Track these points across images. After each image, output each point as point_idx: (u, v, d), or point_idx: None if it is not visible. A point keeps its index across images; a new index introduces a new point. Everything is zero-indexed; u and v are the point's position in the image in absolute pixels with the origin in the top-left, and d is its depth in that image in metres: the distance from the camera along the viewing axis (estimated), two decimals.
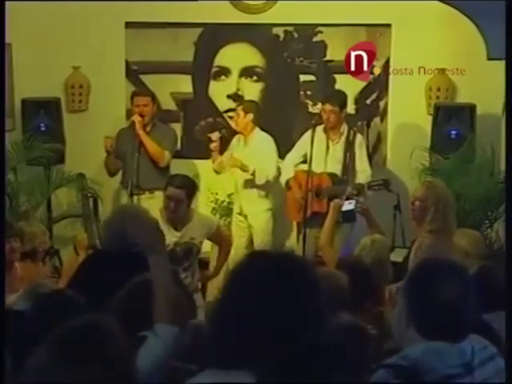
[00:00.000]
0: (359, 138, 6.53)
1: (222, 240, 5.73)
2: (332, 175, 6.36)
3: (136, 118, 6.46)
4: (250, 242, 6.78)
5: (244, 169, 6.57)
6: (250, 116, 6.66)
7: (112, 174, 6.78)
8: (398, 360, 2.27)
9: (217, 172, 6.83)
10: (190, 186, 5.39)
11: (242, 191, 6.77)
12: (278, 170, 6.75)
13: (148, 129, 6.56)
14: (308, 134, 6.40)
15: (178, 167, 6.98)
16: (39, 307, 3.01)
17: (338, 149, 6.43)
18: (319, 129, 6.37)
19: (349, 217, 5.83)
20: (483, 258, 4.54)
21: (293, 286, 1.88)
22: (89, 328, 1.89)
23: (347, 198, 5.35)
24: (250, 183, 6.67)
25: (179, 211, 5.29)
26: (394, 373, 2.23)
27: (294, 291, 1.87)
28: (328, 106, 6.35)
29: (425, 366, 2.23)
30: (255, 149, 6.65)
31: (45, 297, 3.15)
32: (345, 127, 6.48)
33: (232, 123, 7.06)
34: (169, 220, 5.26)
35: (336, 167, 6.39)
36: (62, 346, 1.83)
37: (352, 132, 6.51)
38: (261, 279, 1.88)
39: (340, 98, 6.45)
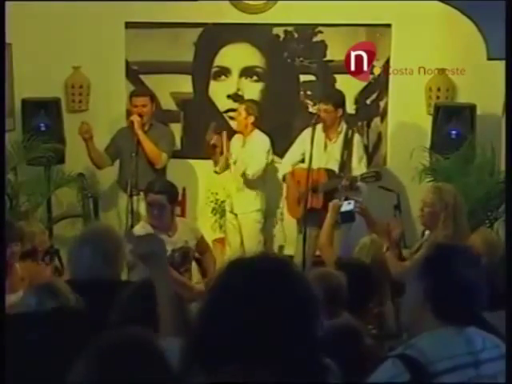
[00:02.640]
0: (357, 137, 6.51)
1: (204, 248, 5.57)
2: (329, 171, 6.35)
3: (135, 118, 6.44)
4: (242, 242, 6.78)
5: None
6: (252, 118, 6.67)
7: (99, 167, 6.71)
8: (404, 350, 2.27)
9: (217, 172, 6.85)
10: (170, 191, 5.24)
11: (233, 190, 6.79)
12: (275, 168, 6.76)
13: (145, 129, 6.53)
14: (306, 132, 6.40)
15: (178, 167, 7.00)
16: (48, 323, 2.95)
17: (335, 147, 6.42)
18: (318, 127, 6.37)
19: (347, 217, 5.82)
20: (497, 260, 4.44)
21: (271, 287, 1.86)
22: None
23: (346, 199, 5.35)
24: (240, 182, 6.68)
25: (164, 217, 5.14)
26: (402, 363, 2.21)
27: (273, 292, 1.85)
28: (322, 105, 6.36)
29: (432, 356, 2.22)
30: (252, 149, 6.67)
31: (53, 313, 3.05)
32: (343, 126, 6.48)
33: (233, 122, 7.06)
34: (157, 228, 5.05)
35: (333, 165, 6.39)
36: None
37: (350, 131, 6.51)
38: (238, 284, 1.85)
39: (334, 97, 6.42)
